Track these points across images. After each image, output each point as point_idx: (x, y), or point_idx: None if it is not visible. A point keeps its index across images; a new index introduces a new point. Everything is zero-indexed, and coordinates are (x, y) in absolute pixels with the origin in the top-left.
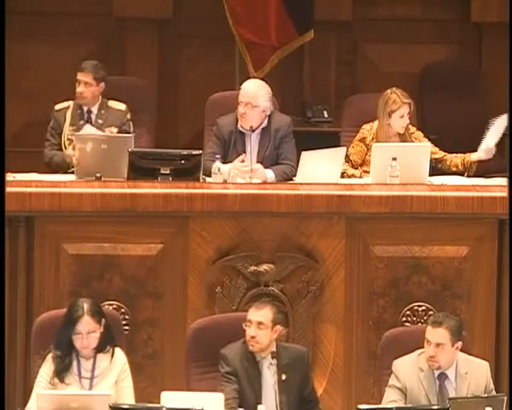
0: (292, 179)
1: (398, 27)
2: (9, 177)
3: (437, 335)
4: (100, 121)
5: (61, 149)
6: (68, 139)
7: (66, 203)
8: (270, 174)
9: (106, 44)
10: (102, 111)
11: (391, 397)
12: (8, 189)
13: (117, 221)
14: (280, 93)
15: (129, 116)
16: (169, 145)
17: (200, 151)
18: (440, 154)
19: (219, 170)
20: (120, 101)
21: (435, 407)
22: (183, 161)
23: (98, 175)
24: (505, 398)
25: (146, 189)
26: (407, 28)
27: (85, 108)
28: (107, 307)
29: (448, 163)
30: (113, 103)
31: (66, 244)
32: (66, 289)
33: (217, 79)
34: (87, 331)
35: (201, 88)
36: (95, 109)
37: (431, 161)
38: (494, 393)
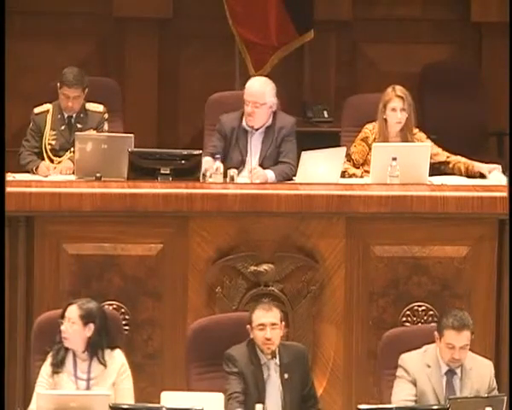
0: (292, 179)
1: (398, 27)
2: (9, 177)
3: (461, 338)
4: (79, 125)
5: (39, 153)
6: (49, 144)
7: (66, 203)
8: (270, 174)
9: (106, 44)
10: (81, 115)
11: (405, 389)
12: (8, 189)
13: (117, 221)
14: (280, 93)
15: (106, 116)
16: (169, 145)
17: (201, 151)
18: (443, 156)
19: (219, 170)
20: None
21: (435, 407)
22: (183, 161)
23: (98, 175)
24: (505, 398)
25: (146, 189)
26: (407, 28)
27: (66, 114)
28: (107, 307)
29: (451, 166)
30: (91, 106)
31: (66, 244)
32: (66, 289)
33: (217, 79)
34: (68, 319)
35: (201, 88)
36: (74, 114)
37: (433, 163)
38: (496, 392)
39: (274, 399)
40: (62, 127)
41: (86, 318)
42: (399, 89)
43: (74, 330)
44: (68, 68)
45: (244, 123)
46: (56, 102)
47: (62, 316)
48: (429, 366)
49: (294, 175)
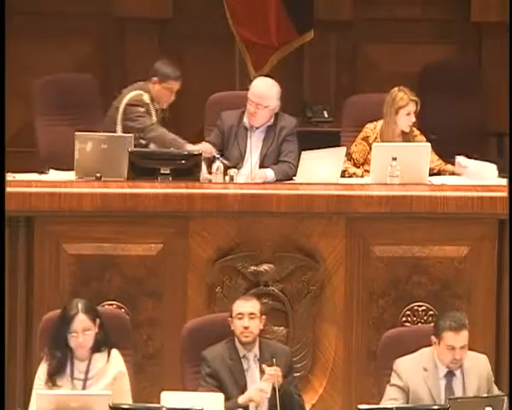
0: (292, 179)
1: (398, 27)
2: (9, 177)
3: (461, 338)
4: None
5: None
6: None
7: (66, 203)
8: (269, 173)
9: (106, 44)
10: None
11: (392, 395)
12: (8, 189)
13: (117, 221)
14: (280, 93)
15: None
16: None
17: (201, 151)
18: (437, 164)
19: (219, 170)
20: None
21: (435, 407)
22: (183, 161)
23: (98, 175)
24: (505, 398)
25: (146, 189)
26: (407, 28)
27: (157, 106)
28: (107, 307)
29: (436, 172)
30: None
31: (66, 244)
32: (66, 290)
33: (217, 79)
34: (82, 329)
35: (201, 88)
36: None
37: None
38: (495, 390)
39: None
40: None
41: (92, 314)
42: (409, 91)
43: (90, 336)
44: (163, 62)
45: (245, 120)
46: (144, 93)
47: (70, 330)
48: (426, 370)
49: (295, 175)
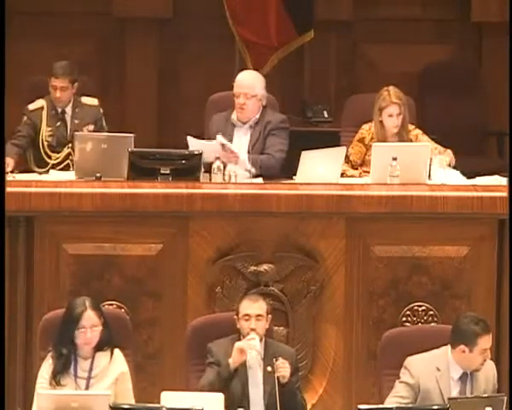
0: (274, 169)
1: (398, 27)
2: (9, 177)
3: (489, 341)
4: (76, 121)
5: (27, 145)
6: (46, 141)
7: (66, 203)
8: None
9: (106, 44)
10: (77, 110)
11: (400, 392)
12: (8, 189)
13: (117, 221)
14: (280, 93)
15: (101, 110)
16: (169, 145)
17: (201, 151)
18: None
19: (219, 170)
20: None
21: (435, 407)
22: (183, 161)
23: (98, 175)
24: (505, 398)
25: (146, 189)
26: (407, 28)
27: (59, 109)
28: (107, 307)
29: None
30: (85, 100)
31: (66, 244)
32: (67, 289)
33: (217, 79)
34: (91, 325)
35: (201, 88)
36: (69, 109)
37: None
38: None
39: (256, 387)
40: (58, 123)
41: (99, 311)
42: (394, 93)
43: (98, 332)
44: (59, 61)
45: (233, 117)
46: (48, 96)
47: (78, 326)
48: (439, 370)
49: (276, 167)
